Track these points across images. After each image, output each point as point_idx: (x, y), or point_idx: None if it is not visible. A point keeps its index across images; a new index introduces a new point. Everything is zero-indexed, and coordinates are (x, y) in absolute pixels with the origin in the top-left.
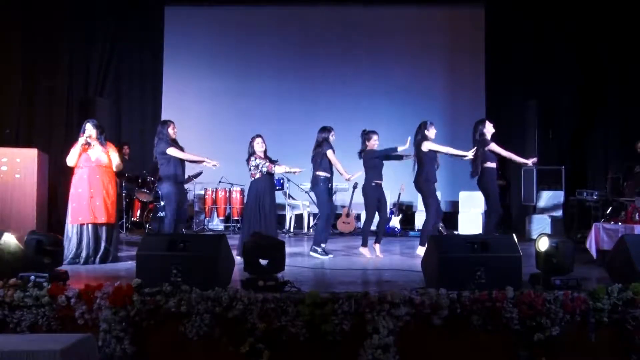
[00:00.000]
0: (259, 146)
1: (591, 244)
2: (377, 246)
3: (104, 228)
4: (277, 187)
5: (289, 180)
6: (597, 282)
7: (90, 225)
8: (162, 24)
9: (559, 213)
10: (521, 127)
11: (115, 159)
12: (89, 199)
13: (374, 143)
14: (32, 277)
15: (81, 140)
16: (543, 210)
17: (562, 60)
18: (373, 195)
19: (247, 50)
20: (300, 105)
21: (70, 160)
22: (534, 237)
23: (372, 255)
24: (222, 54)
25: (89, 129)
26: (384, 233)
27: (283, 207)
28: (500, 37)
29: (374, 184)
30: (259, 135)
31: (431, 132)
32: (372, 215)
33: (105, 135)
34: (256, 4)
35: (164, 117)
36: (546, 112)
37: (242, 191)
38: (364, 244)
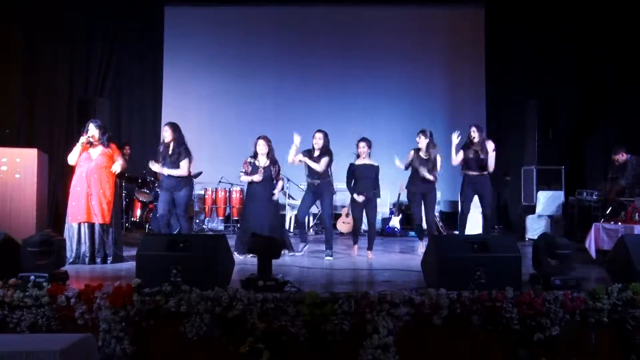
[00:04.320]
0: (259, 148)
1: (590, 244)
2: (369, 253)
3: (100, 228)
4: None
5: (288, 180)
6: (597, 282)
7: (87, 225)
8: (162, 23)
9: (558, 213)
10: (521, 126)
11: (117, 163)
12: (86, 198)
13: (361, 150)
14: (32, 277)
15: (82, 139)
16: (543, 210)
17: (562, 60)
18: (354, 206)
19: (247, 50)
20: (300, 105)
21: (71, 159)
22: (534, 237)
23: (356, 254)
24: (222, 53)
25: (92, 129)
26: (374, 238)
27: (283, 207)
28: (500, 37)
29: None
30: (260, 137)
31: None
32: (357, 221)
33: (109, 136)
34: (256, 4)
35: (164, 117)
36: (546, 111)
37: (241, 191)
38: (355, 242)
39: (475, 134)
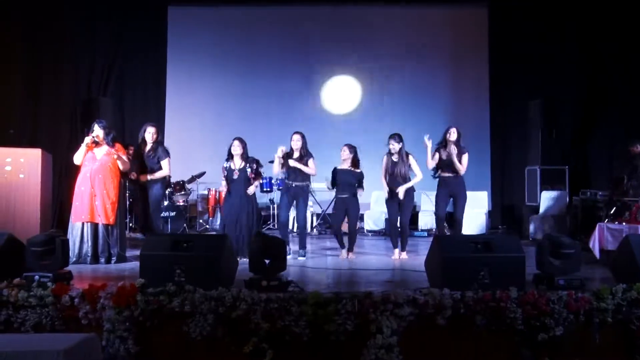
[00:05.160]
0: (233, 149)
1: (594, 244)
2: (350, 254)
3: (104, 228)
4: (280, 187)
5: None
6: (601, 282)
7: (91, 224)
8: (165, 23)
9: (562, 213)
10: (524, 126)
11: (122, 163)
12: (90, 198)
13: (341, 154)
14: (36, 277)
15: (87, 139)
16: (547, 210)
17: (565, 59)
18: (337, 208)
19: (251, 50)
20: (304, 105)
21: (77, 159)
22: (538, 237)
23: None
24: (226, 53)
25: (96, 130)
26: (354, 239)
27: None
28: (504, 37)
29: (339, 197)
30: (235, 138)
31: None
32: (335, 225)
33: (114, 137)
34: (260, 4)
35: (167, 116)
36: (550, 111)
37: None
38: (341, 246)
39: (454, 135)
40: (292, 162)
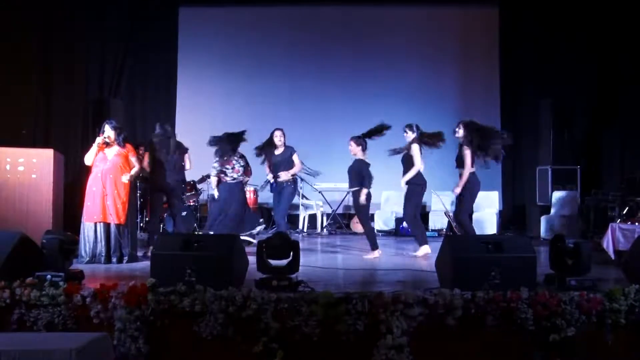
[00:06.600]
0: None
1: (608, 245)
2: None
3: (115, 228)
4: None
5: (302, 180)
6: (614, 282)
7: (103, 224)
8: (176, 24)
9: (574, 213)
10: (535, 126)
11: (133, 164)
12: (102, 198)
13: (350, 149)
14: (48, 277)
15: (98, 139)
16: (558, 210)
17: (577, 58)
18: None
19: (261, 50)
20: (313, 106)
21: (87, 159)
22: (549, 237)
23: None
24: (236, 54)
25: (108, 131)
26: (370, 236)
27: (297, 207)
28: (515, 37)
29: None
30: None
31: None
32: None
33: (125, 137)
34: (270, 5)
35: (178, 118)
36: (561, 111)
37: (255, 191)
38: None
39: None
40: (283, 175)
